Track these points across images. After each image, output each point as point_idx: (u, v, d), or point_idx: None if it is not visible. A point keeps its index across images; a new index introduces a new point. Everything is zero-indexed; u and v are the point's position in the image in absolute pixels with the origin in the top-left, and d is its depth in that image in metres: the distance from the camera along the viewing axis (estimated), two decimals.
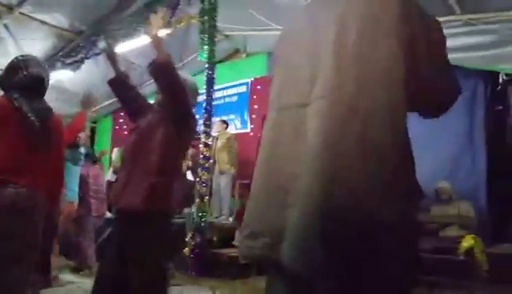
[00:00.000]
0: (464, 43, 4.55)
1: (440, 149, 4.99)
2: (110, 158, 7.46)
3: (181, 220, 5.06)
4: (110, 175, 6.21)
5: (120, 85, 2.22)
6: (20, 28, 5.73)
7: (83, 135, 4.79)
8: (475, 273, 3.77)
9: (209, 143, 4.98)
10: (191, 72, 6.67)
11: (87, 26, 6.06)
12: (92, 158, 5.00)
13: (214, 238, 4.88)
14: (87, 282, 2.02)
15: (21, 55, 2.09)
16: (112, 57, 2.24)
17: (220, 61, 6.99)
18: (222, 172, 5.99)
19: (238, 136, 6.45)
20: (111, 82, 2.22)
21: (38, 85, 2.05)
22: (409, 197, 1.03)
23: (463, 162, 5.03)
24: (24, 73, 1.99)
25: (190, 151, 6.64)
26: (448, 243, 4.21)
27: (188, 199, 5.65)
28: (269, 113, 1.22)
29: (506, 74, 4.77)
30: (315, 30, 1.14)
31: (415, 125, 1.08)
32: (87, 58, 6.11)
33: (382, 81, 1.01)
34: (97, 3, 5.66)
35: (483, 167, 4.90)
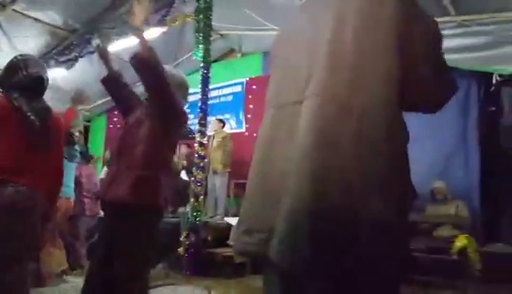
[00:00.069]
0: (458, 44, 4.58)
1: (434, 150, 5.02)
2: (104, 157, 7.42)
3: (175, 219, 5.05)
4: (103, 175, 6.17)
5: (113, 83, 2.22)
6: (13, 25, 5.67)
7: (78, 134, 4.77)
8: (468, 273, 3.80)
9: (204, 142, 4.96)
10: (186, 71, 6.65)
11: (81, 24, 6.02)
12: (86, 157, 4.98)
13: (209, 238, 4.87)
14: (80, 282, 2.00)
15: (20, 55, 2.09)
16: (104, 55, 2.23)
17: (215, 61, 6.97)
18: (215, 171, 5.98)
19: (233, 136, 6.44)
20: (104, 81, 2.23)
21: (38, 85, 2.05)
22: (403, 196, 1.03)
23: (457, 162, 5.07)
24: (24, 73, 1.99)
25: (185, 150, 6.64)
26: (442, 243, 4.24)
27: (183, 198, 5.64)
28: (265, 112, 1.22)
29: (500, 75, 4.80)
30: (312, 29, 1.14)
31: (409, 124, 1.09)
32: (81, 56, 6.07)
33: (379, 78, 1.01)
34: (91, 1, 5.62)
35: (477, 168, 4.95)
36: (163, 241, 4.29)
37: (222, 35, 7.05)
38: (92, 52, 5.84)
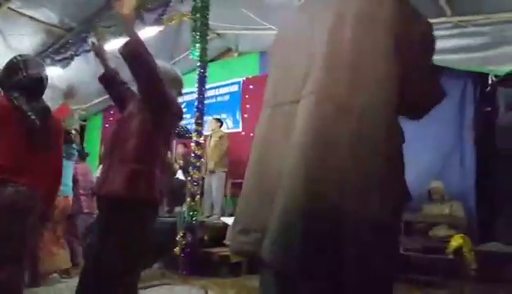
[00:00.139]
0: (454, 45, 4.60)
1: (431, 150, 5.04)
2: (100, 155, 7.40)
3: (172, 218, 5.04)
4: (99, 173, 6.16)
5: (110, 81, 2.22)
6: (9, 23, 5.63)
7: (74, 131, 4.78)
8: (464, 272, 3.82)
9: (201, 142, 4.96)
10: (183, 70, 6.63)
11: (77, 22, 5.99)
12: (82, 155, 5.00)
13: (205, 237, 4.87)
14: (76, 281, 2.00)
15: (20, 55, 2.09)
16: (101, 54, 2.23)
17: (212, 60, 6.97)
18: (212, 171, 5.97)
19: (230, 136, 6.44)
20: (101, 79, 2.23)
21: (38, 85, 2.06)
22: (399, 197, 1.03)
23: (453, 162, 5.09)
24: (24, 73, 2.00)
25: (182, 150, 6.63)
26: (437, 243, 4.26)
27: (179, 198, 5.63)
28: (263, 112, 1.22)
29: (495, 76, 4.83)
30: (310, 29, 1.14)
31: (406, 124, 1.09)
32: (77, 55, 6.04)
33: (377, 78, 1.01)
34: (87, 0, 5.59)
35: (473, 168, 4.97)
36: (159, 240, 4.29)
37: (218, 34, 7.04)
38: (87, 51, 5.82)
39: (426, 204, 4.76)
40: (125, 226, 1.85)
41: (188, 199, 4.79)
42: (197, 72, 5.05)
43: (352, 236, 0.94)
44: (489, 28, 4.45)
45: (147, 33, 5.81)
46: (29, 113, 1.91)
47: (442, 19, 4.56)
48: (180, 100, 2.47)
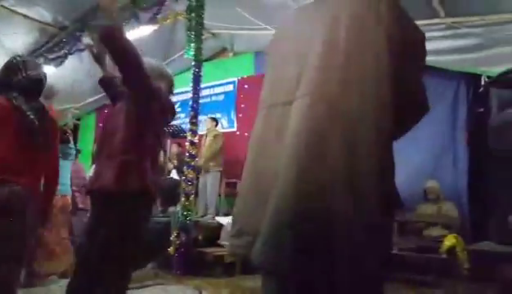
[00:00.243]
0: (447, 46, 4.63)
1: (423, 150, 5.08)
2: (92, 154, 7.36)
3: (166, 218, 5.02)
4: (91, 172, 6.16)
5: (109, 83, 2.25)
6: (2, 22, 5.58)
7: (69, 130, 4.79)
8: (457, 271, 3.86)
9: (195, 141, 4.95)
10: (178, 69, 6.63)
11: (70, 21, 5.94)
12: (75, 153, 5.00)
13: (199, 237, 4.86)
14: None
15: (18, 56, 2.11)
16: (101, 59, 2.23)
17: (207, 59, 6.95)
18: (207, 170, 5.97)
19: (225, 135, 6.43)
20: (101, 82, 2.27)
21: (37, 86, 2.08)
22: (388, 198, 1.04)
23: (446, 163, 5.13)
24: (23, 75, 2.02)
25: (176, 150, 6.61)
26: (431, 242, 4.29)
27: (174, 198, 5.61)
28: (259, 112, 1.23)
29: (488, 77, 4.87)
30: (305, 32, 1.15)
31: None
32: (71, 54, 5.99)
33: (372, 78, 1.02)
34: None
35: (465, 168, 5.01)
36: (153, 240, 4.28)
37: (213, 34, 7.03)
38: (81, 50, 5.78)
39: (421, 204, 4.79)
40: (117, 218, 1.83)
41: (182, 199, 4.79)
42: (192, 71, 5.04)
43: (342, 236, 0.94)
44: (482, 29, 4.49)
45: (142, 31, 5.80)
46: (29, 113, 1.93)
47: (436, 20, 4.59)
48: (174, 99, 2.46)
